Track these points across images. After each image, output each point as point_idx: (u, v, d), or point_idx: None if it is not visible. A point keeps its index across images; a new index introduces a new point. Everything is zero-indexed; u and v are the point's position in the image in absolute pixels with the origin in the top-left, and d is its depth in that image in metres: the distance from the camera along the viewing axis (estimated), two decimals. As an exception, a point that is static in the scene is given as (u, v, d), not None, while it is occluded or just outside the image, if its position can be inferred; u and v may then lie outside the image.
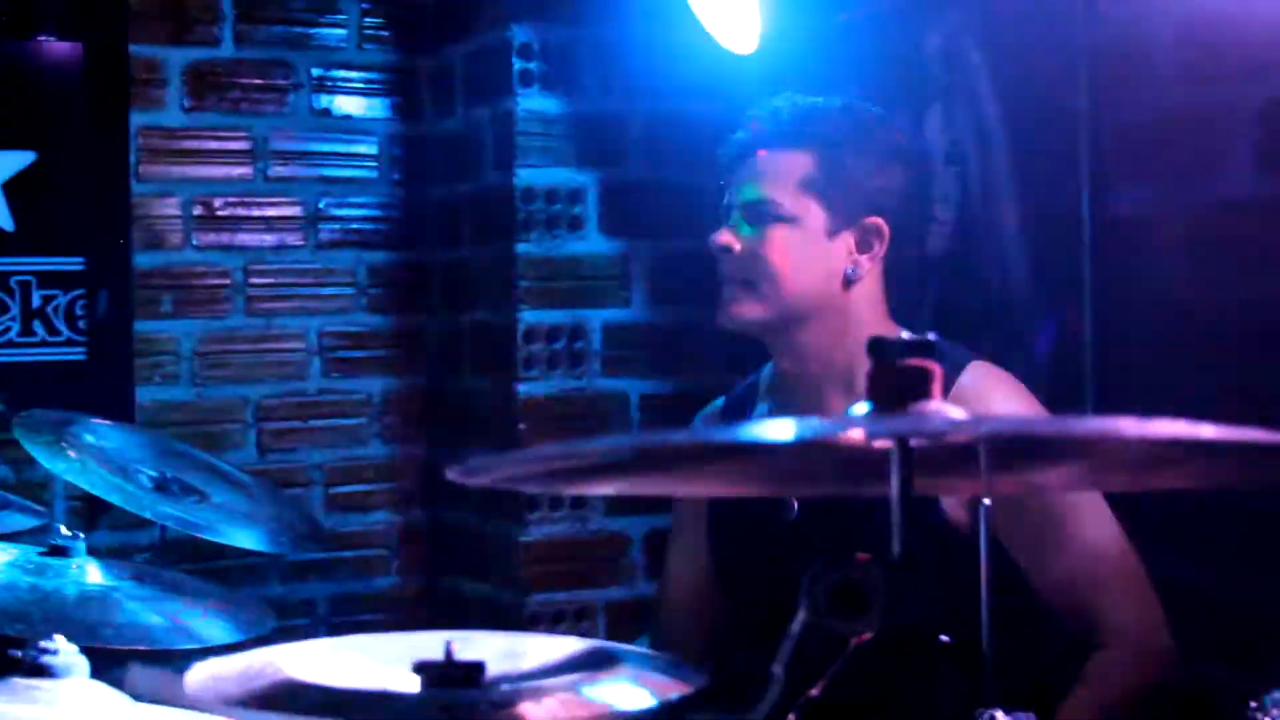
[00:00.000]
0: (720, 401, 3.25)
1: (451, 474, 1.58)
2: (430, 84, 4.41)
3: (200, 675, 1.81)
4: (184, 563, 3.68)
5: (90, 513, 3.84)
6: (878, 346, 1.68)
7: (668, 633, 3.29)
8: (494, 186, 4.12)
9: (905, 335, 1.69)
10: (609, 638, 4.05)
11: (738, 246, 2.98)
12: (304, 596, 4.34)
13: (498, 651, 1.89)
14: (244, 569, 4.16)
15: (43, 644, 2.03)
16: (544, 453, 1.67)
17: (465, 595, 4.33)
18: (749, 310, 2.98)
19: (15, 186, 4.10)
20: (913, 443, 1.63)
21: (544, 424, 4.07)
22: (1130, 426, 1.39)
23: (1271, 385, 2.94)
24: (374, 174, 4.41)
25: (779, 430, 1.44)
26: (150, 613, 2.96)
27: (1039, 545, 2.81)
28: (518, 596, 4.07)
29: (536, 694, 1.77)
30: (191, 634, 2.97)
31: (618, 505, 4.07)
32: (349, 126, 4.39)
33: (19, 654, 2.04)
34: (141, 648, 2.92)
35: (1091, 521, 2.82)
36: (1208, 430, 1.35)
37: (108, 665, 3.34)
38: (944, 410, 1.63)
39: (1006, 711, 2.00)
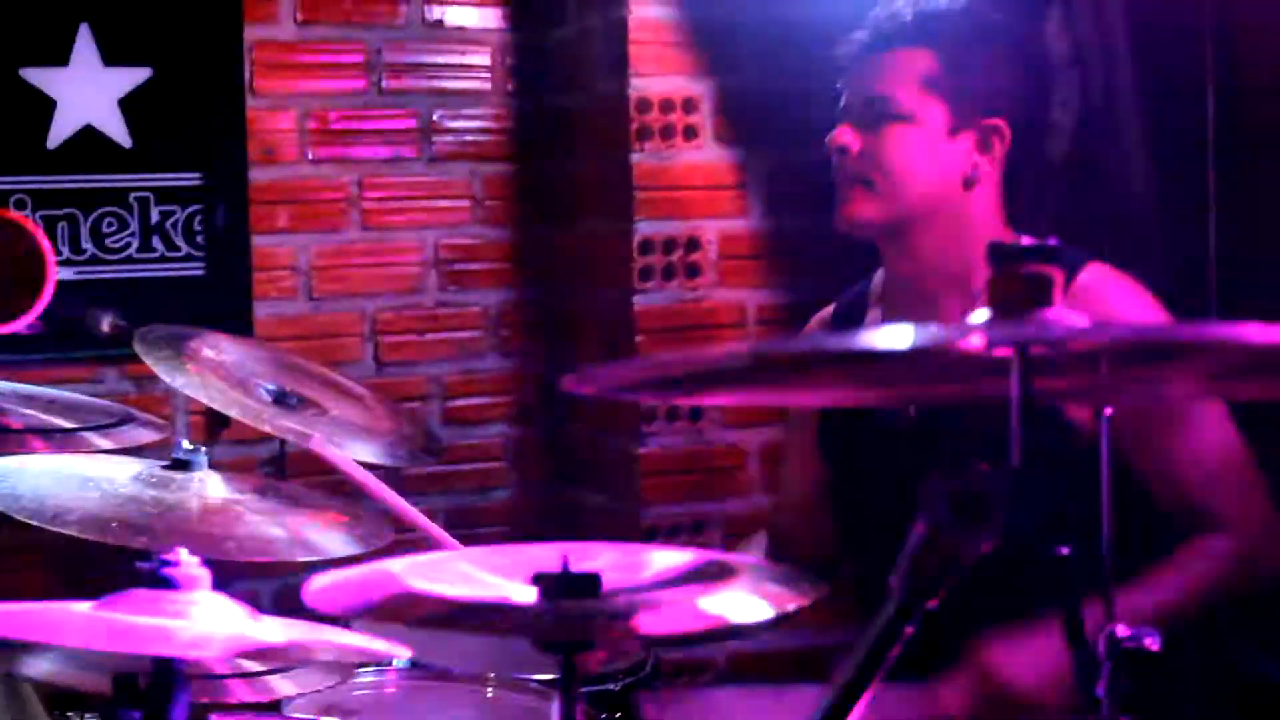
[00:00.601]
0: (830, 308, 3.22)
1: (567, 382, 1.56)
2: (543, -6, 4.40)
3: (319, 586, 1.81)
4: (304, 476, 3.69)
5: (211, 426, 3.85)
6: (998, 252, 1.65)
7: (783, 538, 3.29)
8: (608, 96, 4.10)
9: (1025, 240, 1.66)
10: (726, 549, 4.06)
11: (856, 145, 2.94)
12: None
13: (614, 563, 1.89)
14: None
15: (165, 556, 2.04)
16: (658, 361, 1.65)
17: (582, 508, 4.33)
18: (866, 210, 2.95)
19: (131, 103, 4.11)
20: (1033, 350, 1.60)
21: (659, 336, 4.06)
22: (1255, 331, 1.35)
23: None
24: (487, 85, 4.39)
25: (897, 337, 1.42)
26: (272, 525, 2.98)
27: (1153, 443, 2.78)
28: (634, 509, 4.07)
29: (652, 605, 1.77)
30: (312, 546, 2.98)
31: (734, 417, 4.06)
32: (462, 37, 4.37)
33: (143, 566, 2.05)
34: (263, 559, 2.94)
35: (1206, 420, 2.79)
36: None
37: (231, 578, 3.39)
38: (1065, 317, 1.60)
39: (1129, 625, 1.98)
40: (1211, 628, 2.85)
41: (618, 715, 2.98)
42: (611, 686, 2.99)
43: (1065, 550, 2.16)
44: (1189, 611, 2.76)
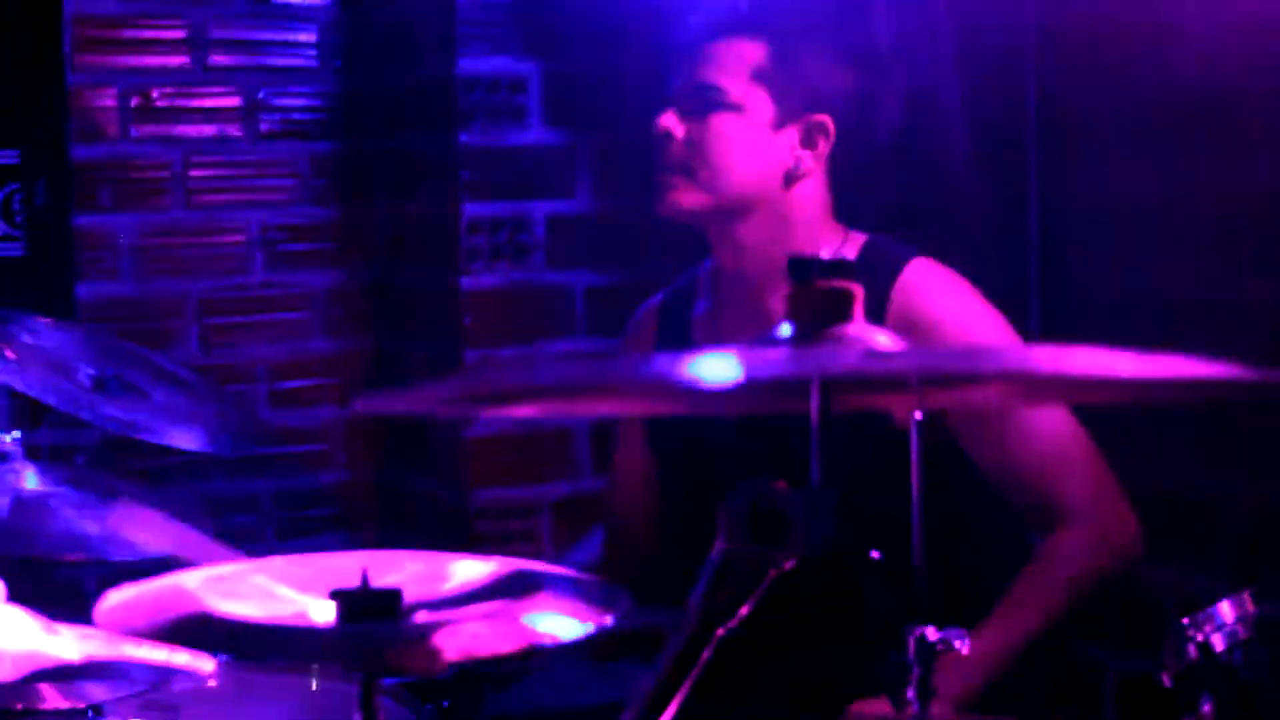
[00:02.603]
0: (659, 297, 3.21)
1: (360, 405, 1.54)
2: (371, -30, 4.34)
3: (110, 604, 1.77)
4: (128, 460, 3.64)
5: (31, 412, 3.78)
6: (797, 266, 1.64)
7: (617, 527, 3.28)
8: (435, 76, 4.05)
9: (824, 254, 1.65)
10: (555, 533, 4.05)
11: (680, 132, 2.93)
12: (250, 493, 4.31)
13: (417, 575, 1.86)
14: (188, 465, 4.10)
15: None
16: (452, 384, 1.62)
17: (411, 491, 4.30)
18: (686, 198, 2.93)
19: (-55, 78, 4.03)
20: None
21: (488, 317, 4.03)
22: (1045, 358, 1.35)
23: (1220, 281, 2.92)
24: (314, 63, 4.33)
25: (689, 367, 1.40)
26: (87, 520, 2.93)
27: (995, 434, 2.79)
28: (463, 492, 4.04)
29: (455, 624, 1.74)
30: (129, 542, 2.94)
31: (563, 400, 4.03)
32: (288, 14, 4.30)
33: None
34: (76, 558, 2.89)
35: (1041, 413, 2.79)
36: (1124, 364, 1.31)
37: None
38: (865, 335, 1.59)
39: (939, 628, 1.98)
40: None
41: (447, 701, 2.97)
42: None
43: (876, 555, 2.18)
44: (1060, 620, 2.78)
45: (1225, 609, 2.05)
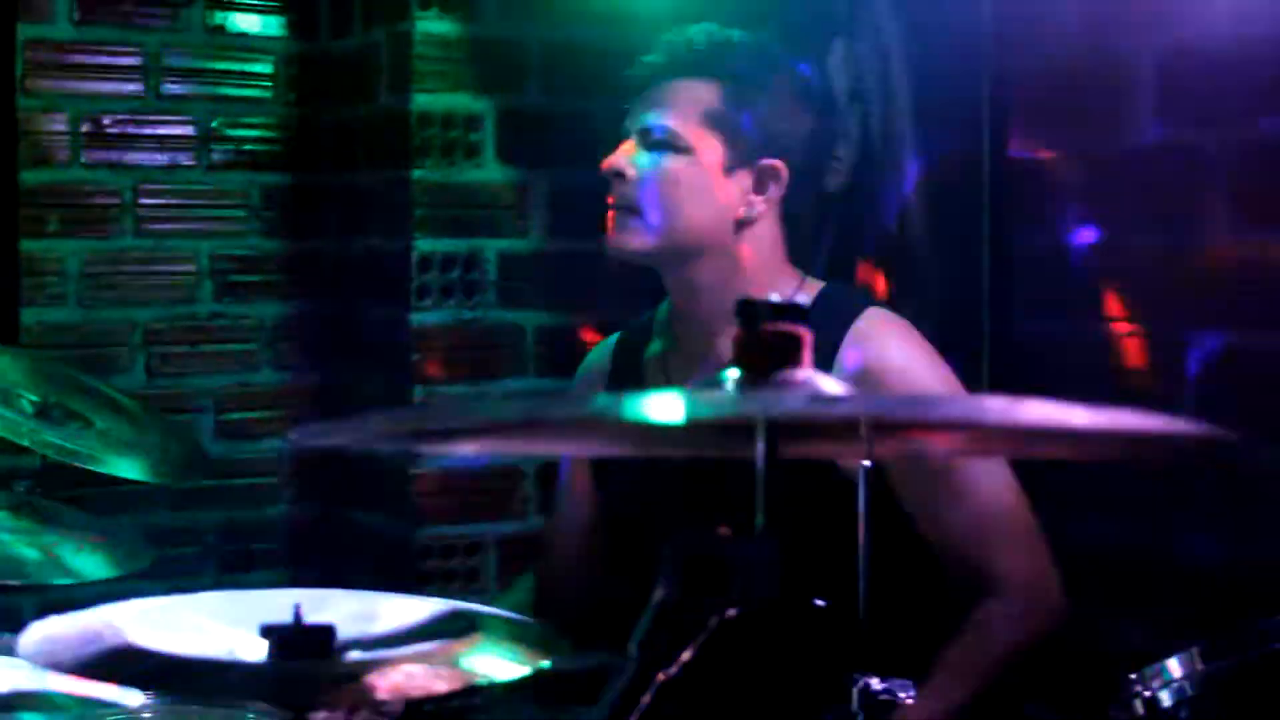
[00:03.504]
0: (615, 338, 3.19)
1: (293, 437, 1.50)
2: (328, 2, 4.31)
3: (36, 636, 1.73)
4: (69, 488, 3.59)
5: (-31, 438, 3.74)
6: (745, 309, 1.61)
7: (551, 570, 3.25)
8: (389, 110, 4.04)
9: (774, 297, 1.62)
10: (500, 572, 4.02)
11: (631, 172, 2.90)
12: (193, 525, 4.26)
13: (351, 613, 1.83)
14: (132, 495, 4.06)
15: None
16: (392, 419, 1.59)
17: (357, 526, 4.26)
18: (634, 240, 2.90)
19: (-106, 100, 3.98)
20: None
21: (438, 354, 4.01)
22: (997, 409, 1.33)
23: (1170, 329, 2.92)
24: (269, 94, 4.30)
25: (630, 406, 1.38)
26: (24, 546, 2.90)
27: (932, 498, 2.78)
28: (409, 529, 4.01)
29: (385, 664, 1.71)
30: (67, 569, 2.91)
31: (510, 439, 4.01)
32: (244, 44, 4.28)
33: None
34: (13, 583, 2.86)
35: (985, 474, 2.79)
36: (1078, 416, 1.29)
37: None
38: (813, 381, 1.57)
39: (882, 678, 1.96)
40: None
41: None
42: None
43: (820, 603, 2.15)
44: (987, 691, 2.77)
45: (1173, 665, 2.03)
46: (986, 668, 2.76)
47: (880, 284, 3.26)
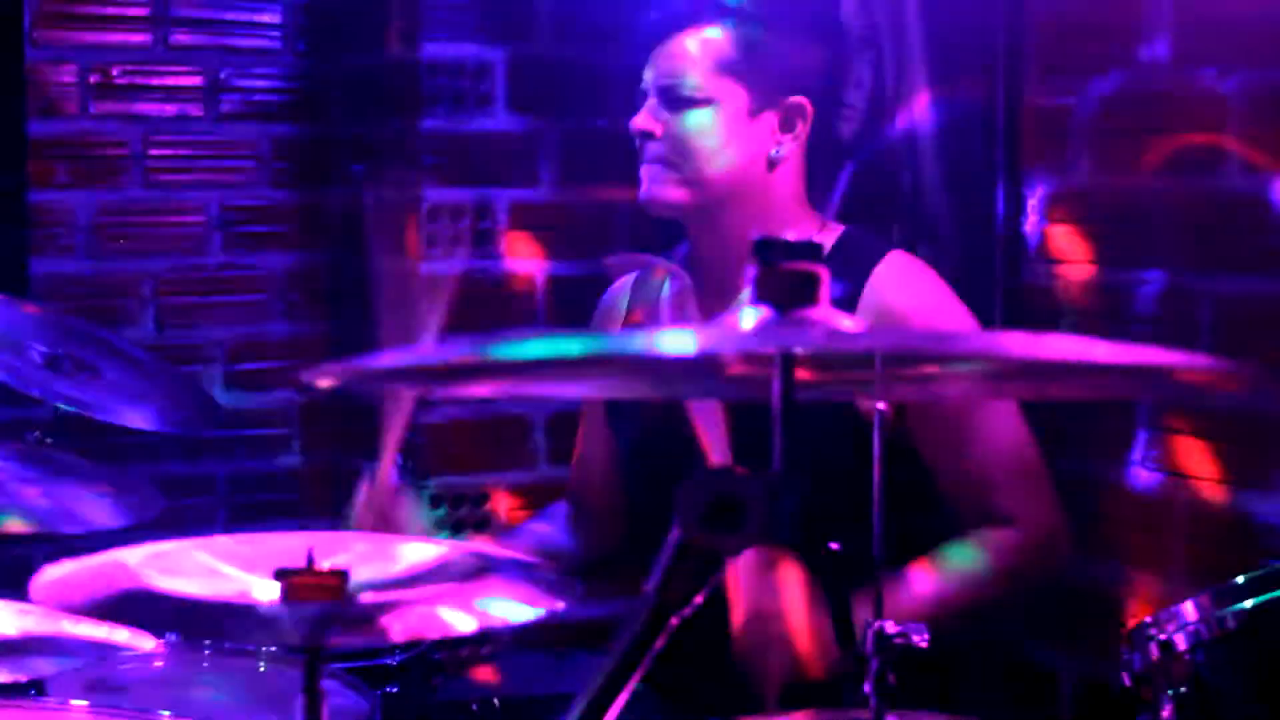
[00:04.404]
0: (631, 278, 3.19)
1: (306, 376, 1.49)
2: (336, -49, 4.30)
3: (48, 579, 1.73)
4: (80, 440, 3.59)
5: (-19, 389, 3.74)
6: (762, 248, 1.60)
7: (580, 511, 3.28)
8: (399, 60, 4.02)
9: (790, 236, 1.61)
10: (509, 521, 4.02)
11: (658, 130, 2.91)
12: (203, 475, 4.26)
13: (365, 556, 1.82)
14: (142, 446, 4.06)
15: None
16: (405, 357, 1.58)
17: (366, 476, 4.25)
18: (672, 194, 2.92)
19: (-99, 51, 3.97)
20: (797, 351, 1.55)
21: (448, 304, 3.99)
22: (1018, 343, 1.31)
23: (1188, 284, 2.91)
24: (277, 44, 4.28)
25: (649, 341, 1.36)
26: (36, 495, 2.90)
27: (944, 439, 2.81)
28: (418, 479, 4.00)
29: (401, 605, 1.70)
30: (78, 518, 2.91)
31: (521, 388, 4.00)
32: (253, -7, 4.27)
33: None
34: (24, 531, 2.86)
35: (997, 417, 2.80)
36: (1099, 350, 1.27)
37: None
38: (830, 318, 1.56)
39: (897, 621, 1.95)
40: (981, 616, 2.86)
41: (396, 688, 2.95)
42: (389, 661, 2.97)
43: (835, 546, 2.15)
44: (980, 602, 2.78)
45: (1188, 608, 2.02)
46: (980, 578, 2.78)
47: (893, 231, 3.24)
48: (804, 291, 1.58)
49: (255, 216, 4.29)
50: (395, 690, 2.99)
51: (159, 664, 2.94)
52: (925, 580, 2.74)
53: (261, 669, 2.93)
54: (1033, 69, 3.12)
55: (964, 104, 3.21)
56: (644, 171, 2.94)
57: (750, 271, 1.60)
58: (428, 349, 1.76)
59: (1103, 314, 3.03)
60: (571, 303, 4.04)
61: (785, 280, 1.58)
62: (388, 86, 4.09)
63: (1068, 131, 3.07)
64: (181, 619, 1.67)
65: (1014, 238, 3.17)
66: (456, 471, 4.03)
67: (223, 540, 1.89)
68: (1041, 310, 3.12)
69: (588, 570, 3.16)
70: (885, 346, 1.51)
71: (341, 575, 1.71)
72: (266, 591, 1.72)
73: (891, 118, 3.33)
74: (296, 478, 4.37)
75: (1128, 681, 2.07)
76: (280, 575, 1.71)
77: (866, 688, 1.93)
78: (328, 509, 4.34)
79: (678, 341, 1.33)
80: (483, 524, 4.03)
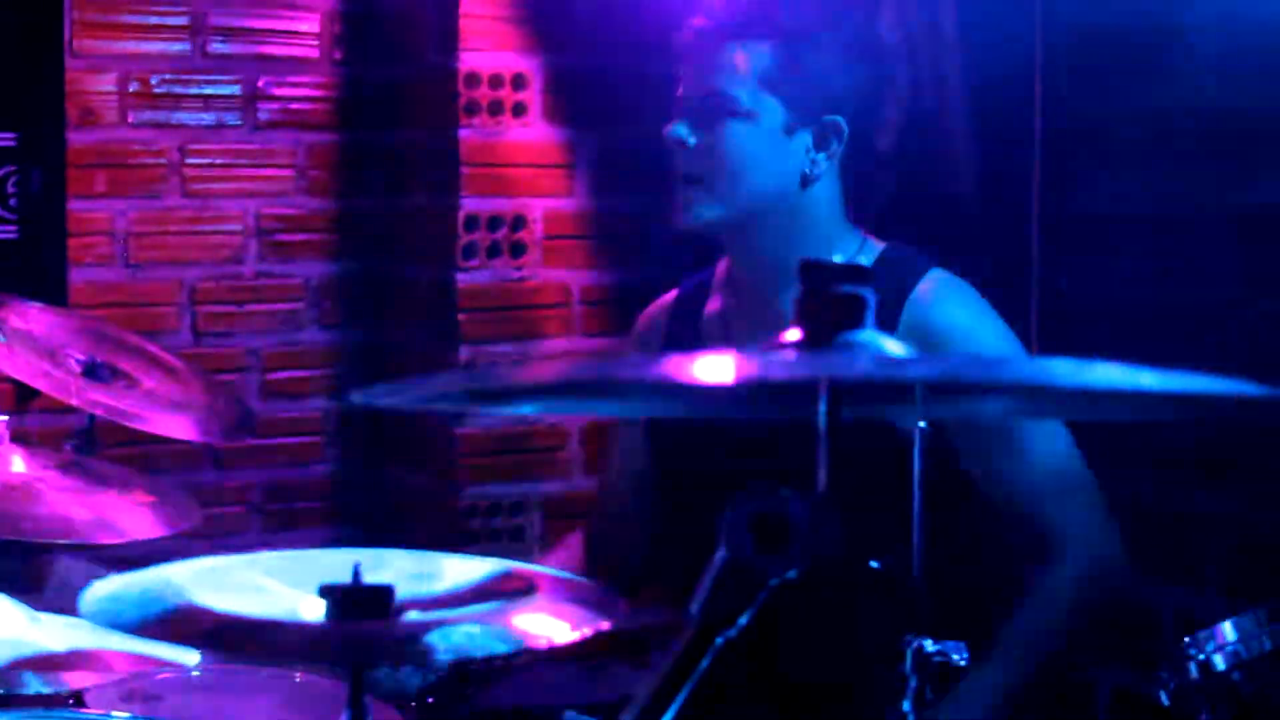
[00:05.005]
0: (670, 296, 3.18)
1: (357, 398, 1.50)
2: (374, -39, 4.31)
3: (96, 596, 1.74)
4: (116, 447, 3.61)
5: (19, 396, 3.75)
6: (809, 271, 1.60)
7: (598, 532, 3.25)
8: (436, 69, 4.03)
9: (838, 259, 1.61)
10: (544, 532, 4.02)
11: (692, 141, 2.89)
12: (238, 483, 4.28)
13: (409, 572, 1.83)
14: (178, 454, 4.08)
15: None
16: (455, 378, 1.59)
17: (401, 485, 4.27)
18: (704, 209, 2.90)
19: (-57, 60, 3.99)
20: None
21: (483, 313, 4.00)
22: (1065, 371, 1.32)
23: (1220, 288, 2.91)
24: (315, 52, 4.29)
25: (693, 367, 1.37)
26: (74, 505, 2.91)
27: (993, 457, 2.78)
28: (453, 488, 4.01)
29: (446, 624, 1.71)
30: (116, 528, 2.91)
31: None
32: (290, 3, 4.26)
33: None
34: (63, 542, 2.87)
35: (1045, 434, 2.78)
36: (1145, 378, 1.28)
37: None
38: (876, 342, 1.56)
39: (936, 640, 1.96)
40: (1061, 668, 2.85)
41: (432, 697, 2.95)
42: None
43: (875, 564, 2.15)
44: (1056, 661, 2.77)
45: (1228, 628, 2.03)
46: (1051, 638, 2.76)
47: (933, 247, 3.24)
48: (850, 315, 1.58)
49: (292, 225, 4.29)
50: (431, 701, 3.00)
51: (195, 673, 2.95)
52: (994, 670, 2.71)
53: (297, 679, 2.93)
54: (1069, 76, 3.12)
55: (1002, 114, 3.21)
56: (678, 189, 2.92)
57: (795, 294, 1.61)
58: (470, 370, 1.76)
59: (1141, 323, 3.03)
60: (605, 313, 4.05)
61: (831, 304, 1.59)
62: (425, 96, 4.10)
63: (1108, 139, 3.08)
64: (230, 637, 1.68)
65: (1051, 251, 3.17)
66: (490, 481, 4.03)
67: (269, 556, 1.90)
68: (1080, 326, 3.12)
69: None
70: (933, 376, 1.51)
71: (388, 592, 1.72)
72: (312, 609, 1.72)
73: (929, 129, 3.33)
74: (330, 486, 4.38)
75: (1166, 701, 2.07)
76: (325, 592, 1.71)
77: (905, 706, 1.94)
78: (360, 518, 4.36)
79: (729, 370, 1.34)
80: (517, 534, 4.04)
